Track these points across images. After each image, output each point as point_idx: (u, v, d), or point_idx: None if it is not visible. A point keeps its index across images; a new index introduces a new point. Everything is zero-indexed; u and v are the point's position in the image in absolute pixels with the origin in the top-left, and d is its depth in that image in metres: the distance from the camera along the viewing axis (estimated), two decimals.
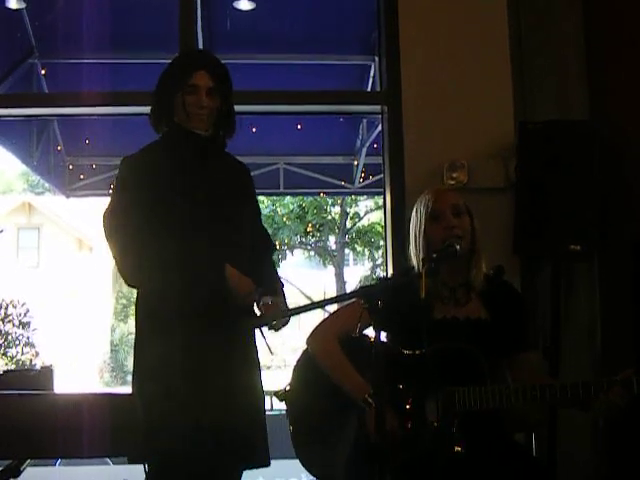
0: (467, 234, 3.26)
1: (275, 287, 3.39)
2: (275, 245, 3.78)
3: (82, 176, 9.88)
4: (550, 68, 4.61)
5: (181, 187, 3.23)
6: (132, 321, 3.14)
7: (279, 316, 3.18)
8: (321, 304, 2.78)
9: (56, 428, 2.10)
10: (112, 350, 24.43)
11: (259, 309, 3.27)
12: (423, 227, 3.27)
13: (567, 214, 4.17)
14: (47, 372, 2.38)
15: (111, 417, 2.25)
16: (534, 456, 3.60)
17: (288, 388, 3.26)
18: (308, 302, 2.88)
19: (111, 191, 3.35)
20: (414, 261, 3.30)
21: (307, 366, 3.29)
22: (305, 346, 3.32)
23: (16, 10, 6.41)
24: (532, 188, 4.26)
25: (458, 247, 3.01)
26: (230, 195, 3.37)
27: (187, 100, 3.30)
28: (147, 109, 4.96)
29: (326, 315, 3.48)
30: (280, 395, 3.26)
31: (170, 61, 3.46)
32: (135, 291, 3.21)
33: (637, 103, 4.45)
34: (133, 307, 3.24)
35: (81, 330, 22.28)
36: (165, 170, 3.26)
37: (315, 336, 3.32)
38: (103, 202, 3.33)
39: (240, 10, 6.69)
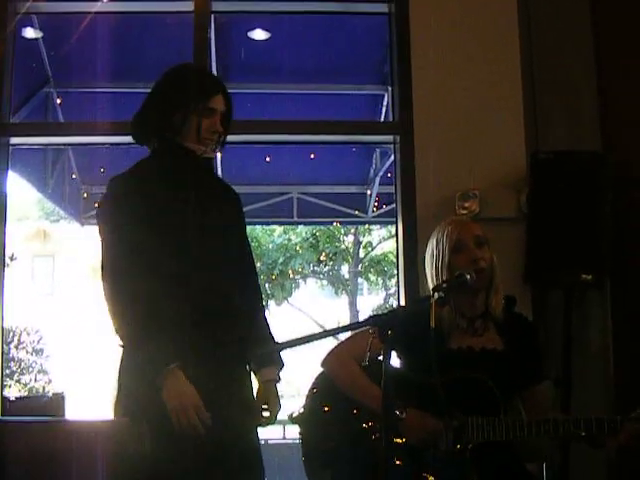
0: (490, 265, 3.27)
1: (270, 357, 3.20)
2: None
3: (97, 204, 9.90)
4: (562, 98, 4.63)
5: (182, 218, 3.05)
6: None
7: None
8: (330, 333, 2.78)
9: (67, 454, 2.11)
10: None
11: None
12: (447, 259, 3.28)
13: (578, 244, 4.18)
14: (58, 399, 2.39)
15: (120, 444, 2.25)
16: None
17: (301, 411, 3.26)
18: (320, 330, 2.85)
19: (103, 222, 3.12)
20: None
21: (320, 390, 3.29)
22: (319, 371, 3.33)
23: (32, 40, 6.47)
24: (544, 218, 4.27)
25: (469, 277, 3.00)
26: (226, 224, 3.25)
27: (203, 123, 3.12)
28: None
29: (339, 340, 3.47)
30: (293, 418, 3.26)
31: (177, 75, 3.28)
32: None
33: None
34: None
35: (95, 358, 22.26)
36: (164, 198, 3.06)
37: (330, 356, 3.33)
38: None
39: (255, 40, 6.72)
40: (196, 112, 3.12)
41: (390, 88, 5.24)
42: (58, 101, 7.53)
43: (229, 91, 3.27)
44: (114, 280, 2.94)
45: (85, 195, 9.77)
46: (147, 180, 3.09)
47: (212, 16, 5.15)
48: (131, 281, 2.89)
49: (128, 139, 5.19)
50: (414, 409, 3.05)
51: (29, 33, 6.28)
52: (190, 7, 4.93)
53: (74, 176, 9.34)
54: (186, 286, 2.98)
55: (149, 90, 3.34)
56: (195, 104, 3.12)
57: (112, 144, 5.53)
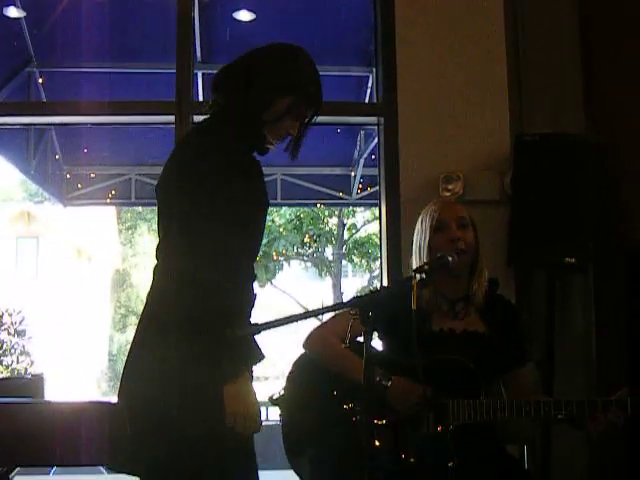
0: (471, 248, 3.25)
1: None
2: None
3: (80, 185, 9.89)
4: (546, 82, 4.62)
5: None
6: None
7: None
8: (312, 314, 2.76)
9: (45, 435, 2.09)
10: (110, 360, 24.40)
11: None
12: (427, 238, 3.26)
13: (562, 227, 4.18)
14: (38, 380, 2.37)
15: (103, 425, 2.23)
16: (526, 468, 3.58)
17: (282, 392, 3.25)
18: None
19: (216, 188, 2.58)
20: None
21: (301, 372, 3.28)
22: (301, 352, 3.31)
23: (15, 19, 6.43)
24: (527, 200, 4.26)
25: (450, 259, 2.96)
26: None
27: (294, 128, 2.86)
28: (145, 119, 5.00)
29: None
30: (274, 400, 3.25)
31: (299, 64, 2.94)
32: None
33: (631, 116, 4.46)
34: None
35: (79, 339, 22.24)
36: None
37: (312, 337, 3.31)
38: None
39: (240, 21, 6.70)
40: (294, 114, 2.82)
41: (374, 69, 5.22)
42: (40, 81, 7.50)
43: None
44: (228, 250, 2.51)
45: (68, 176, 9.74)
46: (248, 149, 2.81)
47: None
48: (242, 261, 2.57)
49: (111, 119, 5.22)
50: (398, 377, 3.03)
51: (12, 12, 6.24)
52: None
53: (57, 157, 9.31)
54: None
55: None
56: (304, 109, 2.84)
57: (95, 124, 5.50)
